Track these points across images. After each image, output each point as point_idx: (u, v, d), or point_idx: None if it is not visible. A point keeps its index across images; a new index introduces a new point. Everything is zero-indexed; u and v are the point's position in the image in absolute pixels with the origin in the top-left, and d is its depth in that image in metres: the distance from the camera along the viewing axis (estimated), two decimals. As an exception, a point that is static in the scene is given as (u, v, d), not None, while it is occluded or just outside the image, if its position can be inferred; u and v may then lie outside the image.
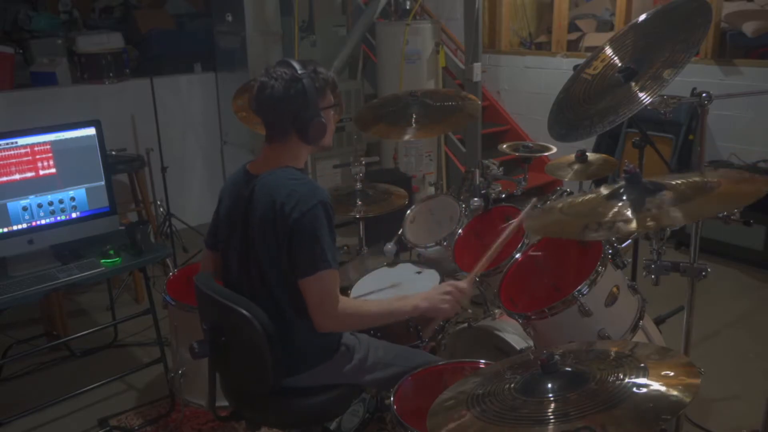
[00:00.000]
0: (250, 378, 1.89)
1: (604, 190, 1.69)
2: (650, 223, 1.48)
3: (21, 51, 5.35)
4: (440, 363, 2.01)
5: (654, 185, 1.60)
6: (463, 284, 1.99)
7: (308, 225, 1.75)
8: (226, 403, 2.04)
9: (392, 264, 2.72)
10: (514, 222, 2.17)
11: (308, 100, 1.81)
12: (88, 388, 2.91)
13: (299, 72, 1.81)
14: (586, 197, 1.74)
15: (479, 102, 3.60)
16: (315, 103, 1.83)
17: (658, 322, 2.87)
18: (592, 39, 5.49)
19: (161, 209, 4.55)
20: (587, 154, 2.94)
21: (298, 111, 1.82)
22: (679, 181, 1.62)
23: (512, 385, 1.33)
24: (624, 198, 1.60)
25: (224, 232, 1.96)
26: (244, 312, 1.74)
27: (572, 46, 5.58)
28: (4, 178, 2.42)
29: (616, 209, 1.57)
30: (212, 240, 2.05)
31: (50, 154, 2.49)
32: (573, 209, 1.72)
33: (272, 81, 1.81)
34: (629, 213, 1.53)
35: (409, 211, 3.01)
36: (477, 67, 4.70)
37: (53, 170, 2.51)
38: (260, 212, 1.81)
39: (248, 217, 1.85)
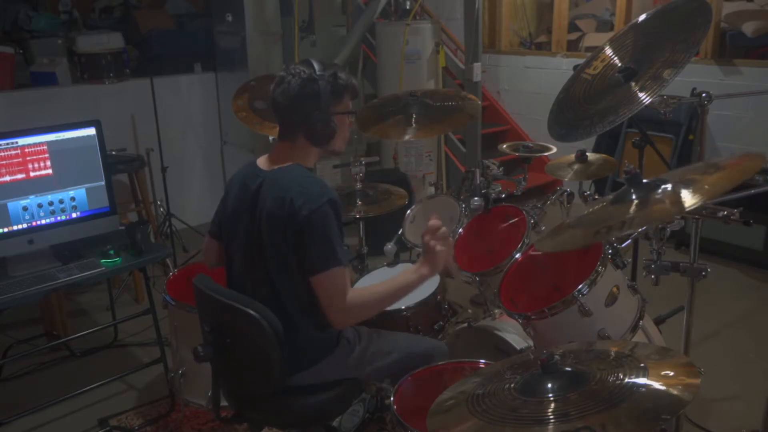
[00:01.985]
0: (253, 378, 1.88)
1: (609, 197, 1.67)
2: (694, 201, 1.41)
3: (21, 51, 5.35)
4: (441, 355, 2.01)
5: (659, 180, 1.58)
6: (431, 221, 1.93)
7: (318, 222, 1.76)
8: (225, 403, 2.04)
9: (392, 264, 2.72)
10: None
11: (320, 102, 1.82)
12: (88, 388, 2.90)
13: (318, 73, 1.82)
14: (593, 207, 1.72)
15: (479, 102, 3.60)
16: (327, 107, 1.84)
17: (658, 322, 2.87)
18: (592, 39, 5.49)
19: (161, 209, 4.55)
20: (587, 154, 2.94)
21: (309, 111, 1.83)
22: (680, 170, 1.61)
23: (512, 385, 1.33)
24: (633, 197, 1.57)
25: (229, 225, 1.96)
26: (252, 312, 1.74)
27: (572, 46, 5.58)
28: (5, 179, 2.42)
29: (633, 207, 1.54)
30: (216, 229, 2.05)
31: (46, 155, 2.49)
32: (582, 221, 1.70)
33: (289, 77, 1.83)
34: (682, 194, 1.46)
35: (409, 211, 3.01)
36: (477, 67, 4.70)
37: (50, 170, 2.51)
38: (269, 207, 1.81)
39: (255, 211, 1.85)
